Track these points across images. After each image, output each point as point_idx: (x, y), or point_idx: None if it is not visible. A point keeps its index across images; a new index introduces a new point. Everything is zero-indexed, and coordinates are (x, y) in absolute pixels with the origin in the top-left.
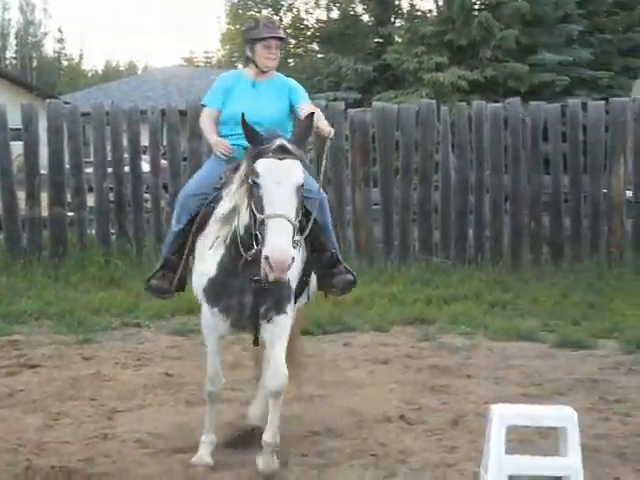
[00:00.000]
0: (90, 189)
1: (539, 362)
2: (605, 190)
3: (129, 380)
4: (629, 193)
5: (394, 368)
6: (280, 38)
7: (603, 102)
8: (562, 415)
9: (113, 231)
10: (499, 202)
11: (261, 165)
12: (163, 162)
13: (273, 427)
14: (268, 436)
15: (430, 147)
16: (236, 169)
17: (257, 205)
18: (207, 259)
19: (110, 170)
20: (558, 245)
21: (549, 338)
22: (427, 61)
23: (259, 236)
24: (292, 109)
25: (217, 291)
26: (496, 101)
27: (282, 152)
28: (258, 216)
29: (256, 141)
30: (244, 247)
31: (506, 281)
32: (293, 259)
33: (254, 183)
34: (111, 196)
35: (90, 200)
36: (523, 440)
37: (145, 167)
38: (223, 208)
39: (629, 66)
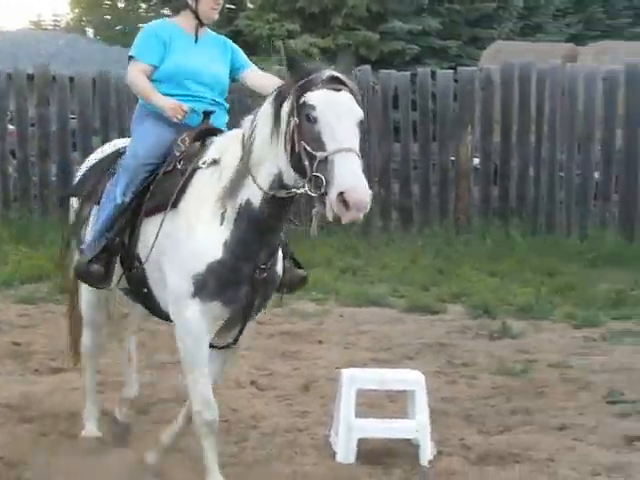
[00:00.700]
0: None
1: (389, 327)
2: (453, 158)
3: None
4: (476, 160)
5: (245, 334)
6: None
7: (452, 71)
8: (410, 379)
9: None
10: None
11: (315, 97)
12: (10, 127)
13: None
14: None
15: None
16: (197, 138)
17: (313, 143)
18: (201, 238)
19: None
20: (407, 211)
21: (398, 303)
22: (279, 28)
23: (320, 179)
24: (231, 72)
25: (223, 278)
26: None
27: (336, 83)
28: (319, 155)
29: (300, 72)
30: (279, 207)
31: (356, 247)
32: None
33: (307, 118)
34: None
35: None
36: (373, 404)
37: None
38: (212, 182)
39: (477, 36)
